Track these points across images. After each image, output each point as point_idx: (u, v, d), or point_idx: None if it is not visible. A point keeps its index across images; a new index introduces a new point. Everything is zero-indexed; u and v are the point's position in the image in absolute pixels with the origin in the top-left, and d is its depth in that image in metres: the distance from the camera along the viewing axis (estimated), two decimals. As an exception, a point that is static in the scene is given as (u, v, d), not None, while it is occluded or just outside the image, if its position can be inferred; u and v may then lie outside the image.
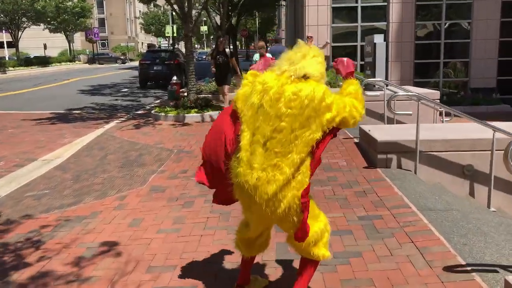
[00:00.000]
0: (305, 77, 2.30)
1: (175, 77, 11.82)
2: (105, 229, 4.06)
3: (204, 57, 52.35)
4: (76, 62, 50.13)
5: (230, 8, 20.11)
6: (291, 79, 2.30)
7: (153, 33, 70.21)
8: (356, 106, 2.37)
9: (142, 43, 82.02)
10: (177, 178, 5.56)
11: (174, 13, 12.86)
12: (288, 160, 2.23)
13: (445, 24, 17.24)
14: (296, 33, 24.53)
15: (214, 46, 10.59)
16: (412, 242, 3.43)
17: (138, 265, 3.31)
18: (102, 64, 49.46)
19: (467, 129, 6.04)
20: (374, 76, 10.48)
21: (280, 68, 2.37)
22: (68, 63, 47.52)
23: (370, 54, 10.69)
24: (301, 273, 2.58)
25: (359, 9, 16.95)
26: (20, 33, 41.44)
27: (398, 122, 7.93)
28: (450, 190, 5.29)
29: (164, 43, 60.21)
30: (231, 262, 3.29)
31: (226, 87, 10.47)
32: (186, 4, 10.37)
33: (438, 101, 9.71)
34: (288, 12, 36.02)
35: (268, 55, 13.21)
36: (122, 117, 10.99)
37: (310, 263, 2.57)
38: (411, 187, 4.76)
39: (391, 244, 3.44)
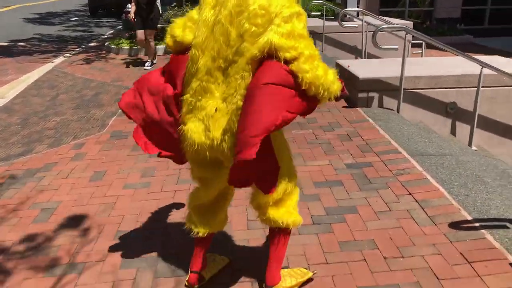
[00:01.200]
0: None
1: (129, 5, 10.73)
2: (62, 185, 3.54)
3: None
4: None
5: None
6: None
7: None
8: (330, 75, 1.79)
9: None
10: (141, 121, 5.00)
11: None
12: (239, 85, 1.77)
13: (414, -51, 16.50)
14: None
15: None
16: (410, 194, 3.14)
17: (103, 231, 2.86)
18: None
19: (450, 64, 5.71)
20: (345, 6, 9.88)
21: None
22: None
23: (341, -20, 10.00)
24: (273, 243, 2.12)
25: None
26: None
27: (374, 56, 7.54)
28: (433, 129, 5.05)
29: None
30: (212, 223, 2.89)
31: (150, 32, 7.79)
32: None
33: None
34: None
35: None
36: (72, 50, 10.01)
37: (280, 232, 2.09)
38: (397, 129, 4.45)
39: (387, 196, 3.13)
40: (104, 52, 9.41)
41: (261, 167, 1.84)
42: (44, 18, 17.40)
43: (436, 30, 15.44)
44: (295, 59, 1.72)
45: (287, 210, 2.05)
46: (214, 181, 2.06)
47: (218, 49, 1.81)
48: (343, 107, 5.18)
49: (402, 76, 4.96)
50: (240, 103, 1.75)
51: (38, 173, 3.79)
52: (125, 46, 9.20)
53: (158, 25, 10.26)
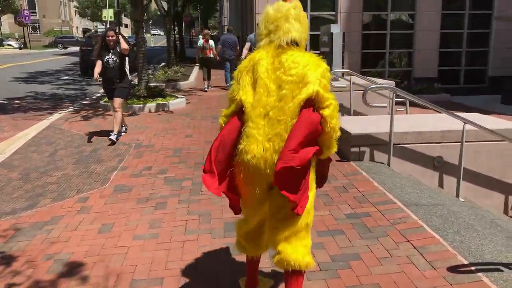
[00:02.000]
0: (293, 42, 2.27)
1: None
2: (71, 237, 3.64)
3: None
4: (6, 46, 46.58)
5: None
6: (282, 47, 2.26)
7: (89, 17, 66.93)
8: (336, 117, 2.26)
9: (77, 27, 77.94)
10: (142, 176, 5.17)
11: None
12: (286, 126, 2.18)
13: (391, 15, 17.64)
14: (243, 21, 24.24)
15: (100, 39, 6.95)
16: (408, 241, 3.33)
17: (119, 279, 2.96)
18: (67, 48, 46.70)
19: (434, 120, 6.10)
20: (331, 66, 10.46)
21: (263, 37, 2.32)
22: (-4, 47, 44.11)
23: (326, 44, 10.63)
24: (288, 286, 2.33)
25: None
26: None
27: (360, 114, 7.93)
28: (422, 182, 5.31)
29: (101, 28, 57.46)
30: (224, 271, 3.02)
31: (118, 101, 6.88)
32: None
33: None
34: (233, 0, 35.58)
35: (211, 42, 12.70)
36: (67, 108, 10.24)
37: (295, 274, 2.29)
38: (390, 181, 4.70)
39: (387, 244, 3.31)
40: (100, 109, 9.66)
41: (301, 184, 2.18)
42: (35, 77, 17.77)
43: (414, 89, 16.22)
44: (327, 107, 2.18)
45: (302, 251, 2.27)
46: (261, 207, 2.37)
47: (258, 99, 2.22)
48: (337, 160, 5.44)
49: (391, 132, 5.29)
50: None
51: (46, 226, 3.88)
52: (120, 104, 9.46)
53: (151, 84, 10.63)
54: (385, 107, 5.77)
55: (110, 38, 6.74)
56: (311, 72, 2.17)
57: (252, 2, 17.31)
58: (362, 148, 5.45)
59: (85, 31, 62.44)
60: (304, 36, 2.31)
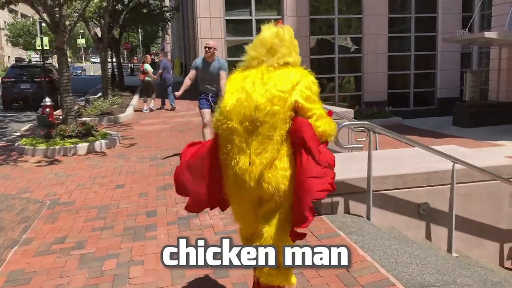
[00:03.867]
0: (285, 64, 2.33)
1: (47, 99, 9.64)
2: None
3: (79, 72, 48.58)
4: None
5: (111, 20, 17.94)
6: (273, 68, 2.31)
7: (22, 46, 63.30)
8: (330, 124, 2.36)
9: (8, 57, 73.58)
10: (51, 253, 3.84)
11: (44, 24, 10.52)
12: (273, 140, 2.23)
13: (338, 38, 17.21)
14: (185, 45, 23.20)
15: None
16: None
17: None
18: None
19: (410, 155, 5.22)
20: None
21: (254, 58, 2.38)
22: None
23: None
24: None
25: (253, 23, 16.15)
26: None
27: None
28: (406, 235, 4.36)
29: (35, 57, 54.43)
30: None
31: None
32: (57, 13, 8.41)
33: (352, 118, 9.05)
34: (175, 25, 34.59)
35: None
36: (-25, 152, 8.59)
37: None
38: (377, 245, 3.67)
39: None
40: (14, 154, 8.11)
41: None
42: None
43: (365, 114, 15.71)
44: (309, 117, 2.26)
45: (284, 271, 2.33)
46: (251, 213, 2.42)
47: (244, 114, 2.24)
48: (304, 216, 4.36)
49: (369, 176, 4.30)
50: (276, 153, 2.23)
51: None
52: (40, 146, 7.99)
53: (82, 119, 9.20)
54: (361, 148, 4.82)
55: None
56: (299, 86, 2.25)
57: (194, 27, 16.33)
58: (335, 198, 4.42)
59: (17, 60, 58.73)
60: (297, 59, 2.38)
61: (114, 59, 25.50)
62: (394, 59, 17.68)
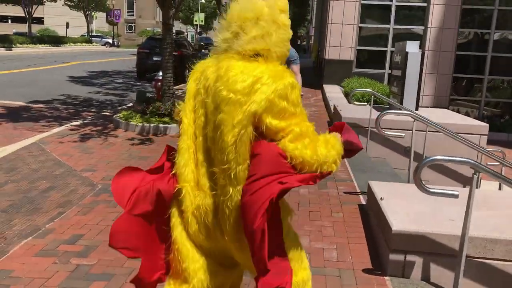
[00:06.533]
0: (257, 55, 1.60)
1: (160, 73, 9.56)
2: None
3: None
4: (94, 44, 48.20)
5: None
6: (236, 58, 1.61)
7: (181, 20, 68.11)
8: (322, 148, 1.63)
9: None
10: (52, 256, 3.37)
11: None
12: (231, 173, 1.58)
13: (494, 33, 14.53)
14: (321, 30, 22.10)
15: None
16: None
17: None
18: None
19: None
20: (401, 94, 8.07)
21: (219, 43, 1.67)
22: (85, 44, 45.53)
23: (399, 65, 8.27)
24: None
25: (393, 9, 14.42)
26: (34, 7, 39.70)
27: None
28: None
29: (191, 31, 57.96)
30: None
31: None
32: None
33: (486, 137, 7.26)
34: (316, 8, 33.53)
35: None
36: (82, 119, 8.87)
37: None
38: None
39: None
40: (110, 126, 8.14)
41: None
42: (91, 78, 17.07)
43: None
44: (280, 139, 1.59)
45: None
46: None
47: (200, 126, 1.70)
48: (364, 270, 3.24)
49: (464, 234, 2.97)
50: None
51: None
52: (133, 122, 7.87)
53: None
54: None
55: None
56: (264, 88, 1.54)
57: (327, 10, 15.18)
58: (410, 257, 3.20)
59: (178, 32, 63.47)
60: (278, 49, 1.62)
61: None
62: None
